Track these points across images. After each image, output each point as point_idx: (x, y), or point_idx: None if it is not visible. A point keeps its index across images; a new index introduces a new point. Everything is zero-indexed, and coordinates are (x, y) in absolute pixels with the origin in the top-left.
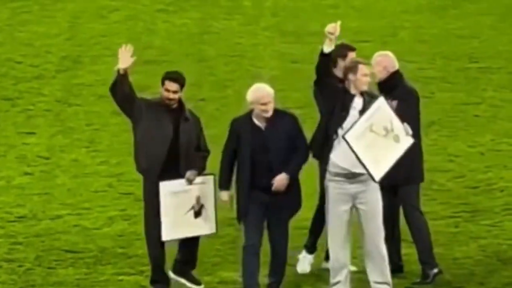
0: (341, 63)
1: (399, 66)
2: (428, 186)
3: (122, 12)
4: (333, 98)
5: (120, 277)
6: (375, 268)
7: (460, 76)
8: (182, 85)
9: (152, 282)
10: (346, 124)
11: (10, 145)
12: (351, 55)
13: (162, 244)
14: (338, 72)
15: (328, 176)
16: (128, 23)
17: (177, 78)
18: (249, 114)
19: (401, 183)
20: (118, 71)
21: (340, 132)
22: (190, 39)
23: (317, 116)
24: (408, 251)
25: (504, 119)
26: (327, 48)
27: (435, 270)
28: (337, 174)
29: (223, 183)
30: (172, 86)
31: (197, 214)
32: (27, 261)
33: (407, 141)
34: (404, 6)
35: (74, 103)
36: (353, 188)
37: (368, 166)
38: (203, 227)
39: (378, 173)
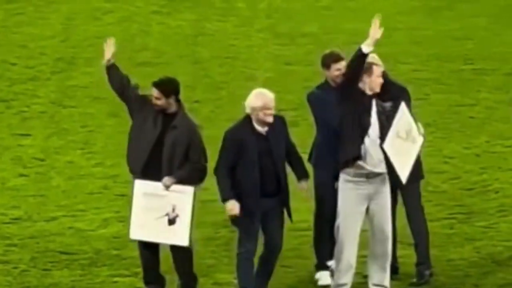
0: (327, 74)
1: (393, 67)
2: (423, 188)
3: (116, 14)
4: (357, 101)
5: (115, 279)
6: (379, 271)
7: (454, 77)
8: (164, 91)
9: (146, 283)
10: (373, 127)
11: (5, 146)
12: (335, 66)
13: (154, 245)
14: (330, 80)
15: (345, 177)
16: (122, 25)
17: (158, 84)
18: (246, 121)
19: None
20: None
21: (367, 137)
22: (185, 41)
23: (310, 118)
24: (404, 252)
25: (499, 121)
26: (369, 48)
27: (430, 271)
28: (358, 175)
29: (227, 194)
30: (153, 91)
31: (171, 222)
32: (22, 262)
33: (420, 140)
34: (398, 7)
35: (69, 105)
36: (371, 188)
37: (398, 171)
38: (174, 237)
39: (405, 175)
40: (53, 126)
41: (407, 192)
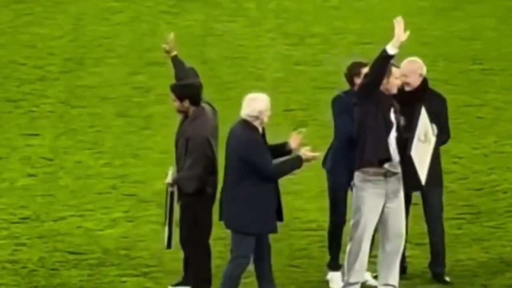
0: (357, 81)
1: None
2: None
3: (125, 14)
4: (379, 100)
5: (124, 279)
6: (389, 270)
7: (462, 78)
8: (177, 94)
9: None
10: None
11: (13, 147)
12: (364, 70)
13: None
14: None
15: (363, 176)
16: (131, 25)
17: (173, 86)
18: (251, 125)
19: (428, 188)
20: None
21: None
22: (193, 41)
23: (319, 118)
24: (412, 252)
25: (507, 121)
26: (394, 50)
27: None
28: (376, 174)
29: (294, 158)
30: (171, 94)
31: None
32: (31, 262)
33: (433, 141)
34: (406, 8)
35: (78, 105)
36: (388, 187)
37: (420, 174)
38: (165, 236)
39: (424, 176)
40: (62, 126)
41: (431, 195)
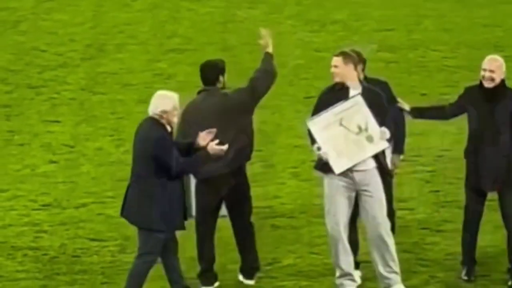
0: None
1: (423, 54)
2: (454, 175)
3: (146, 0)
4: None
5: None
6: (379, 258)
7: None
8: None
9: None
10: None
11: (34, 133)
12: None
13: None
14: None
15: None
16: (152, 11)
17: None
18: (159, 123)
19: (506, 188)
20: None
21: None
22: (214, 28)
23: None
24: (432, 239)
25: None
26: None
27: None
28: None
29: (199, 156)
30: None
31: None
32: (52, 249)
33: (382, 145)
34: None
35: (99, 92)
36: (357, 175)
37: (329, 156)
38: None
39: (340, 166)
40: (83, 113)
41: (508, 196)
